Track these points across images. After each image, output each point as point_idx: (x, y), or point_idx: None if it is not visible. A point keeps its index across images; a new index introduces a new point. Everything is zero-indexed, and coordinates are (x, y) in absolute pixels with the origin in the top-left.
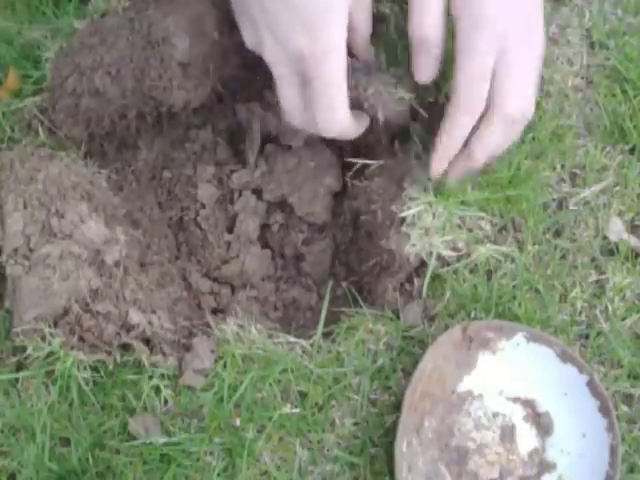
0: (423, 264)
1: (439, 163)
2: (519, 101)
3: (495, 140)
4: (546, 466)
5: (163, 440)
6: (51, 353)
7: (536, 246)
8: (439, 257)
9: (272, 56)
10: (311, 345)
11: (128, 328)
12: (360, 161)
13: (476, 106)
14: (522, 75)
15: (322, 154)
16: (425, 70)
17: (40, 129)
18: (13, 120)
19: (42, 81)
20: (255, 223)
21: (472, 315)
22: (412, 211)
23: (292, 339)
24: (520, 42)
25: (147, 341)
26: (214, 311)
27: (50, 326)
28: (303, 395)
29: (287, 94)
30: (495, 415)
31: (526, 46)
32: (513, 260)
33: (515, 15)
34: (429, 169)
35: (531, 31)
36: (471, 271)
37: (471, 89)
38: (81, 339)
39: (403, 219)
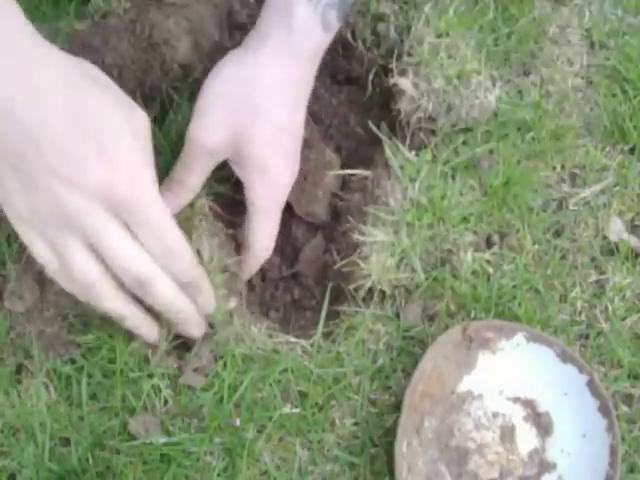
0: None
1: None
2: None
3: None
4: (546, 466)
5: (163, 440)
6: None
7: (536, 246)
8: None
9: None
10: (311, 345)
11: None
12: (348, 172)
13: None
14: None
15: (322, 153)
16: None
17: None
18: None
19: None
20: None
21: (472, 315)
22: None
23: (292, 339)
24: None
25: None
26: None
27: None
28: (303, 395)
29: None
30: (495, 415)
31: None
32: (513, 260)
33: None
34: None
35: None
36: (472, 272)
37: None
38: None
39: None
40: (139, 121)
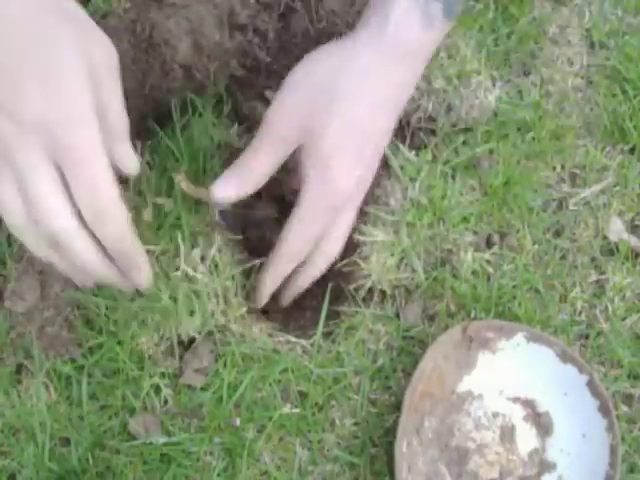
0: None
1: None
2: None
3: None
4: (546, 466)
5: (163, 440)
6: None
7: (536, 246)
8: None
9: None
10: (311, 345)
11: None
12: None
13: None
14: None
15: None
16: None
17: None
18: None
19: None
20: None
21: (472, 315)
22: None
23: (292, 339)
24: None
25: None
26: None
27: None
28: (303, 395)
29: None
30: (495, 415)
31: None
32: (513, 260)
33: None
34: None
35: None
36: (472, 272)
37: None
38: None
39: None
40: (101, 58)
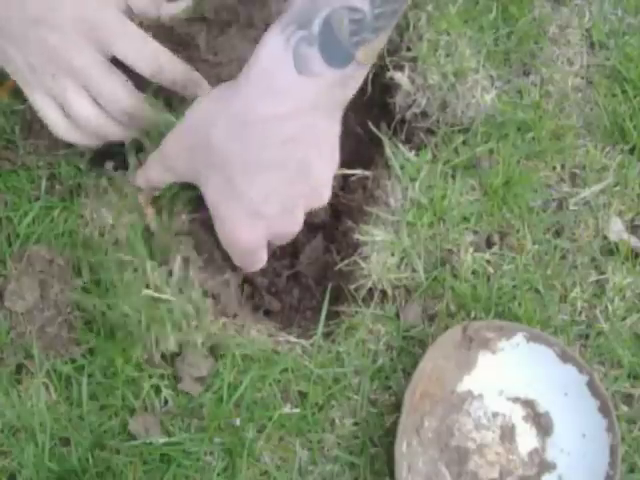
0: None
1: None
2: None
3: None
4: (546, 466)
5: (163, 440)
6: None
7: (536, 246)
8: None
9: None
10: (311, 345)
11: None
12: (348, 172)
13: None
14: None
15: None
16: None
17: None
18: (14, 121)
19: None
20: None
21: (472, 315)
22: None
23: (292, 339)
24: None
25: None
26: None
27: None
28: (303, 395)
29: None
30: (495, 415)
31: None
32: (513, 260)
33: None
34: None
35: None
36: (472, 272)
37: None
38: None
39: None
40: None
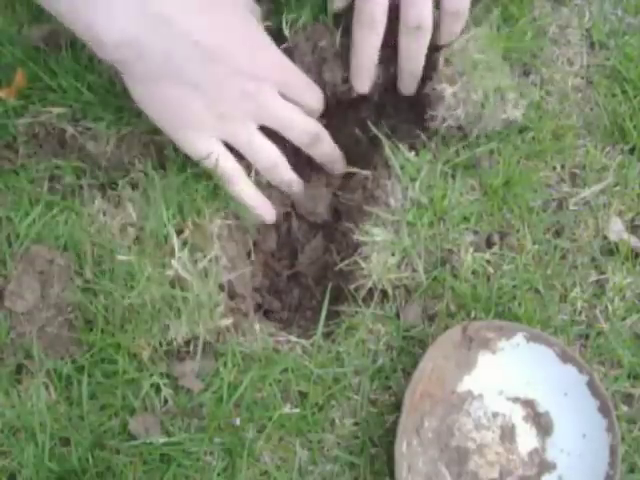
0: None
1: (357, 78)
2: (417, 10)
3: (408, 49)
4: (546, 466)
5: (163, 440)
6: None
7: (536, 246)
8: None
9: None
10: (311, 345)
11: None
12: (349, 170)
13: (376, 22)
14: None
15: None
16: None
17: (50, 135)
18: (17, 122)
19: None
20: None
21: (472, 315)
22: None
23: (292, 339)
24: None
25: None
26: None
27: None
28: (303, 395)
29: None
30: (495, 415)
31: None
32: (513, 260)
33: None
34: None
35: None
36: (472, 272)
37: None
38: None
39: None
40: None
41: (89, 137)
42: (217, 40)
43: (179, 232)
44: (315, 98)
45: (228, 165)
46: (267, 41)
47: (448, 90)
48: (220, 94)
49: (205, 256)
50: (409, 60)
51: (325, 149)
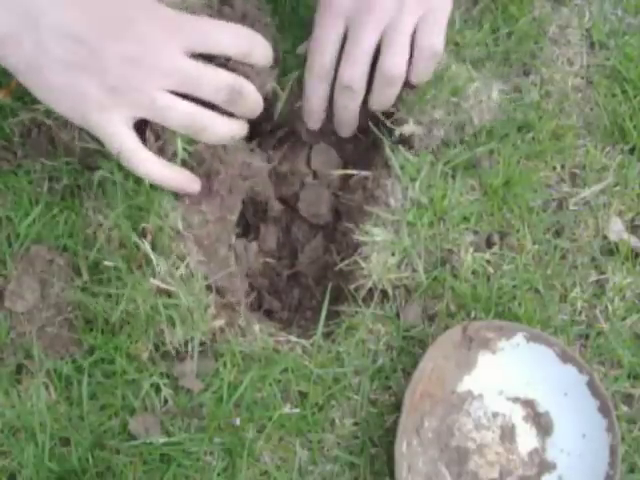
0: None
1: (309, 119)
2: (350, 71)
3: (340, 105)
4: (546, 466)
5: (163, 440)
6: None
7: (536, 246)
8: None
9: None
10: (311, 345)
11: None
12: (348, 172)
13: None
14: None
15: (327, 153)
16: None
17: (41, 132)
18: (14, 123)
19: None
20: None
21: (472, 315)
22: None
23: (292, 339)
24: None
25: None
26: None
27: None
28: (303, 395)
29: None
30: (495, 415)
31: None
32: (513, 260)
33: None
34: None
35: None
36: (472, 272)
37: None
38: None
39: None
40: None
41: (61, 124)
42: (86, 18)
43: (144, 235)
44: (244, 45)
45: (127, 146)
46: (159, 6)
47: (410, 126)
48: (102, 67)
49: (182, 261)
50: (342, 112)
51: (249, 104)
